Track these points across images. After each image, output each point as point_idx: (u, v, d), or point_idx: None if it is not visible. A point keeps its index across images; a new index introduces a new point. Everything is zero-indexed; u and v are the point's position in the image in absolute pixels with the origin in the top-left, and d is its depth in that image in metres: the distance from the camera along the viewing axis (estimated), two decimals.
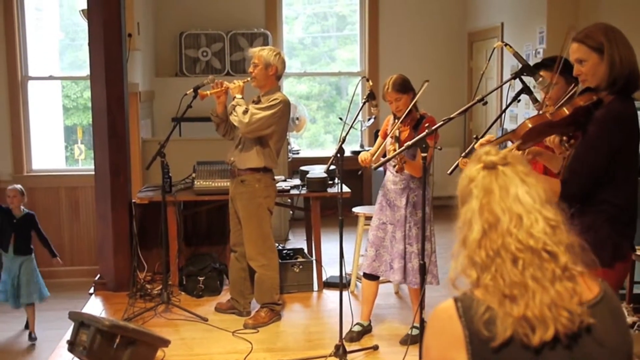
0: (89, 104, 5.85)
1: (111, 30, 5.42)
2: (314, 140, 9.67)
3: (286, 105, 4.75)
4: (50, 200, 7.47)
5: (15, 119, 7.45)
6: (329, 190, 5.55)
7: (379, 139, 4.60)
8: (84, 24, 6.26)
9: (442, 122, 3.47)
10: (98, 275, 5.70)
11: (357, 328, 4.55)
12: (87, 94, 7.61)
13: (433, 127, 3.59)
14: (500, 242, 1.47)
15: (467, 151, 3.07)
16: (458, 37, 9.08)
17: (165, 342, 4.13)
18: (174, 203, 5.45)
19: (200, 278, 5.44)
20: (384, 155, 4.27)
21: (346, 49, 9.60)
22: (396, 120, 4.35)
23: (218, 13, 8.58)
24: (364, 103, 4.40)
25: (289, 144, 7.68)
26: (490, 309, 1.43)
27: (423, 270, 3.64)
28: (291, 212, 7.52)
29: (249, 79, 4.80)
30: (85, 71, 6.66)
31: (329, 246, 5.90)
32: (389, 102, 4.34)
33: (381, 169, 4.51)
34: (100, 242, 5.74)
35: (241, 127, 4.62)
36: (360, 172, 4.36)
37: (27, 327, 5.97)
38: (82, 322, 3.84)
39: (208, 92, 4.75)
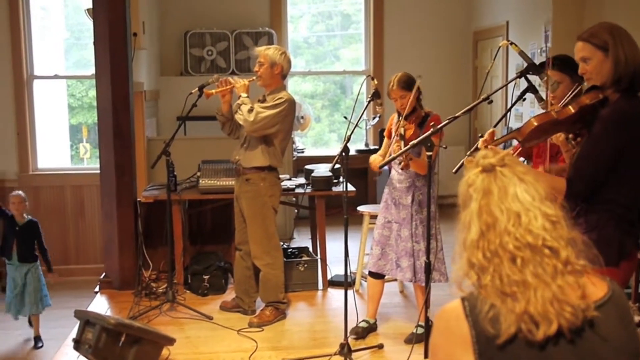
0: (94, 103, 5.86)
1: (116, 29, 5.43)
2: (319, 139, 9.67)
3: (291, 104, 4.75)
4: (56, 199, 7.49)
5: (20, 117, 7.47)
6: (334, 189, 5.54)
7: (386, 140, 4.59)
8: (89, 23, 6.28)
9: (447, 121, 3.48)
10: (103, 274, 5.72)
11: (363, 324, 4.55)
12: (93, 93, 7.63)
13: (438, 126, 3.59)
14: (497, 241, 1.47)
15: (472, 150, 3.07)
16: (463, 35, 9.07)
17: (170, 341, 4.13)
18: (179, 202, 5.46)
19: (205, 277, 5.45)
20: (389, 154, 4.26)
21: (351, 47, 9.60)
22: (400, 119, 4.35)
23: (223, 12, 8.59)
24: (369, 102, 4.40)
25: (293, 142, 7.68)
26: (494, 306, 1.44)
27: (428, 269, 3.64)
28: (296, 210, 7.52)
29: (254, 77, 4.80)
30: (91, 70, 6.68)
31: (333, 245, 5.90)
32: (394, 99, 4.34)
33: (386, 167, 4.51)
34: (105, 241, 5.75)
35: (246, 126, 4.62)
36: (375, 178, 4.35)
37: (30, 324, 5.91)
38: (87, 321, 3.85)
39: (213, 91, 4.76)
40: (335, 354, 4.13)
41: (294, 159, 7.60)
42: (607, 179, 2.69)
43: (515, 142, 2.90)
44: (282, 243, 5.27)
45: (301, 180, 5.87)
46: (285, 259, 5.17)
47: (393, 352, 4.33)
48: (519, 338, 1.42)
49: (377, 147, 8.47)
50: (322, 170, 5.77)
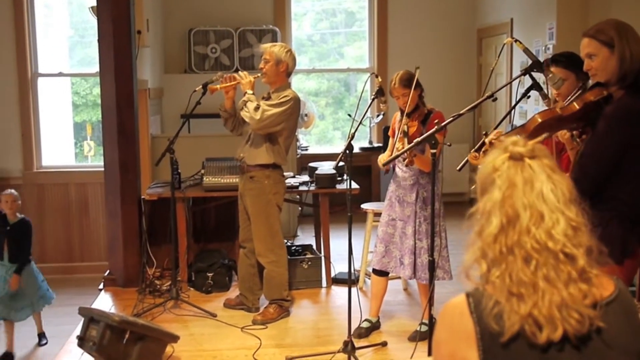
0: (99, 101, 5.87)
1: (120, 27, 5.43)
2: (323, 137, 9.67)
3: (297, 102, 4.75)
4: (60, 197, 7.50)
5: (25, 115, 7.48)
6: (338, 186, 5.54)
7: (391, 139, 4.58)
8: (93, 21, 6.28)
9: (451, 118, 3.47)
10: (107, 271, 5.72)
11: (365, 324, 4.55)
12: (97, 90, 7.63)
13: (442, 123, 3.58)
14: (516, 239, 1.44)
15: (476, 147, 3.06)
16: (467, 33, 9.05)
17: (174, 338, 4.14)
18: (183, 199, 5.46)
19: (209, 274, 5.45)
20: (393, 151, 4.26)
21: (355, 45, 9.59)
22: (404, 116, 4.35)
23: (227, 10, 8.59)
24: (373, 99, 4.39)
25: (297, 140, 7.68)
26: (499, 303, 1.42)
27: (432, 267, 3.64)
28: (300, 208, 7.52)
29: (259, 74, 4.80)
30: (95, 68, 6.68)
31: (337, 242, 5.90)
32: (396, 97, 4.34)
33: (390, 165, 4.50)
34: (109, 238, 5.76)
35: (252, 124, 4.62)
36: (385, 169, 4.33)
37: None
38: (91, 318, 3.86)
39: (218, 86, 4.75)
40: (338, 352, 4.12)
41: (298, 156, 7.60)
42: (611, 176, 2.68)
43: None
44: (285, 241, 5.27)
45: (305, 177, 5.87)
46: (289, 257, 5.17)
47: (397, 349, 4.33)
48: (522, 338, 1.40)
49: (381, 144, 8.47)
50: (326, 167, 5.77)
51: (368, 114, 7.61)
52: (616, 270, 2.44)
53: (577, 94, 2.90)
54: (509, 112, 3.57)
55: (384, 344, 4.38)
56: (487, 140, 2.98)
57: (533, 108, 7.02)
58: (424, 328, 4.26)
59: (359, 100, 4.67)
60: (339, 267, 5.69)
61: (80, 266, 7.41)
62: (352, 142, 4.06)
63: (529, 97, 3.32)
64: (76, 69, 8.47)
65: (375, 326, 4.60)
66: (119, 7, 5.41)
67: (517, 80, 3.48)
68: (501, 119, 3.52)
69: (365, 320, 4.57)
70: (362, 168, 8.30)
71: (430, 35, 8.98)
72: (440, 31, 9.01)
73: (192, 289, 5.50)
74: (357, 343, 4.23)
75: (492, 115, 8.37)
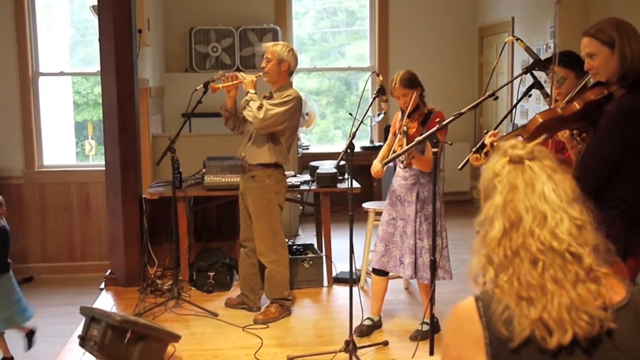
0: (100, 100, 5.86)
1: (121, 26, 5.43)
2: (324, 136, 9.67)
3: (299, 101, 4.75)
4: (61, 196, 7.50)
5: (26, 115, 7.48)
6: (339, 185, 5.54)
7: (390, 136, 4.58)
8: (94, 20, 6.27)
9: (452, 117, 3.47)
10: (109, 271, 5.73)
11: (367, 322, 4.55)
12: (98, 89, 7.62)
13: (444, 122, 3.58)
14: (520, 242, 1.42)
15: (477, 146, 3.06)
16: (468, 32, 9.04)
17: (175, 337, 4.14)
18: (185, 198, 5.46)
19: (210, 273, 5.45)
20: (393, 151, 4.26)
21: (356, 44, 9.58)
22: (404, 116, 4.35)
23: (228, 8, 8.58)
24: (374, 98, 4.39)
25: (298, 139, 7.67)
26: (508, 307, 1.40)
27: (433, 266, 3.63)
28: (301, 207, 7.51)
29: (261, 74, 4.79)
30: (96, 67, 6.68)
31: (338, 242, 5.90)
32: (397, 97, 4.33)
33: (391, 164, 4.50)
34: (110, 238, 5.76)
35: (255, 123, 4.61)
36: (375, 184, 4.33)
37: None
38: (93, 317, 3.86)
39: (220, 85, 4.75)
40: (340, 351, 4.12)
41: (299, 155, 7.60)
42: (612, 175, 2.68)
43: (520, 139, 2.89)
44: (287, 240, 5.27)
45: (306, 177, 5.87)
46: (290, 256, 5.17)
47: (398, 349, 4.33)
48: (532, 343, 1.38)
49: (382, 143, 8.45)
50: (327, 167, 5.77)
51: (369, 112, 7.60)
52: (620, 269, 2.44)
53: (577, 93, 2.90)
54: (510, 111, 3.57)
55: (386, 343, 4.38)
56: (487, 142, 2.98)
57: (534, 107, 7.02)
58: (426, 327, 4.26)
59: (360, 99, 4.68)
60: (340, 266, 5.69)
61: (82, 265, 7.41)
62: (353, 141, 4.06)
63: (530, 95, 3.32)
64: (77, 68, 8.47)
65: (376, 325, 4.60)
66: (120, 6, 5.41)
67: (519, 79, 3.47)
68: (502, 117, 3.51)
69: (368, 318, 4.57)
70: (363, 167, 8.24)
71: (431, 34, 8.97)
72: (441, 30, 9.00)
73: (193, 288, 5.50)
74: (359, 342, 4.23)
75: (493, 114, 8.37)
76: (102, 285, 5.64)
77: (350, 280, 4.16)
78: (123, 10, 5.42)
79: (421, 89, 4.33)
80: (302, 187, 5.58)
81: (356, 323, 4.39)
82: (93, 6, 6.22)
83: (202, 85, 4.80)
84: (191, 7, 8.56)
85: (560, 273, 1.40)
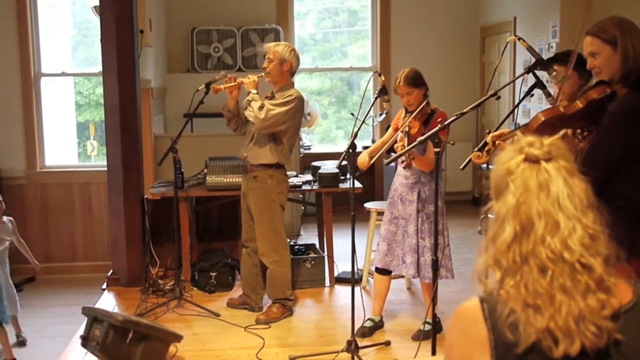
0: (101, 101, 5.87)
1: (123, 26, 5.44)
2: (326, 136, 9.67)
3: (301, 101, 4.75)
4: (63, 197, 7.50)
5: (28, 115, 7.49)
6: (341, 185, 5.54)
7: (390, 131, 4.58)
8: (96, 21, 6.28)
9: (454, 117, 3.46)
10: (111, 271, 5.73)
11: (368, 323, 4.54)
12: (100, 90, 7.63)
13: (446, 122, 3.58)
14: (530, 248, 1.38)
15: (479, 146, 3.06)
16: (470, 31, 9.04)
17: (177, 338, 4.14)
18: (186, 199, 5.46)
19: (212, 273, 5.45)
20: (394, 151, 4.25)
21: (358, 44, 9.58)
22: (407, 115, 4.34)
23: (229, 9, 8.59)
24: (376, 98, 4.39)
25: (300, 139, 7.67)
26: (514, 311, 1.38)
27: (435, 266, 3.63)
28: (303, 207, 7.51)
29: (263, 74, 4.79)
30: (98, 67, 6.68)
31: (340, 242, 5.89)
32: (400, 95, 4.32)
33: (392, 163, 4.50)
34: (112, 238, 5.76)
35: (257, 123, 4.61)
36: (357, 174, 4.28)
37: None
38: (95, 317, 3.86)
39: (222, 86, 4.75)
40: (342, 351, 4.12)
41: (301, 155, 7.60)
42: (617, 174, 2.68)
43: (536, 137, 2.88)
44: (289, 240, 5.27)
45: (308, 177, 5.87)
46: (292, 256, 5.17)
47: (400, 349, 4.32)
48: (538, 349, 1.36)
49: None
50: (329, 167, 5.77)
51: (371, 112, 7.61)
52: (626, 270, 2.43)
53: (580, 92, 2.90)
54: (512, 111, 3.56)
55: (388, 343, 4.37)
56: (489, 140, 2.97)
57: (536, 106, 7.01)
58: (428, 327, 4.25)
59: (362, 99, 4.67)
60: (342, 266, 5.69)
61: (84, 266, 7.42)
62: (355, 141, 4.06)
63: (532, 95, 3.32)
64: (79, 69, 8.47)
65: (378, 325, 4.60)
66: (122, 7, 5.41)
67: (521, 78, 3.47)
68: (504, 117, 3.51)
69: (369, 319, 4.56)
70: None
71: (433, 34, 8.97)
72: (443, 29, 9.00)
73: (195, 288, 5.50)
74: (361, 342, 4.22)
75: (495, 114, 8.36)
76: (104, 286, 5.64)
77: (352, 280, 4.16)
78: (125, 10, 5.42)
79: (425, 89, 4.32)
80: (304, 187, 5.58)
81: (358, 323, 4.38)
82: (95, 7, 6.22)
83: (203, 86, 4.80)
84: (193, 7, 8.57)
85: (569, 282, 1.37)
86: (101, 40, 5.54)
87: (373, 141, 8.90)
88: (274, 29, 8.35)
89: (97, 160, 8.05)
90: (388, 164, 4.08)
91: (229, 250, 5.83)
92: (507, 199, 1.43)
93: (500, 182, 1.47)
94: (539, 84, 3.19)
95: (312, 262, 5.53)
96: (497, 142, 2.96)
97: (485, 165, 3.25)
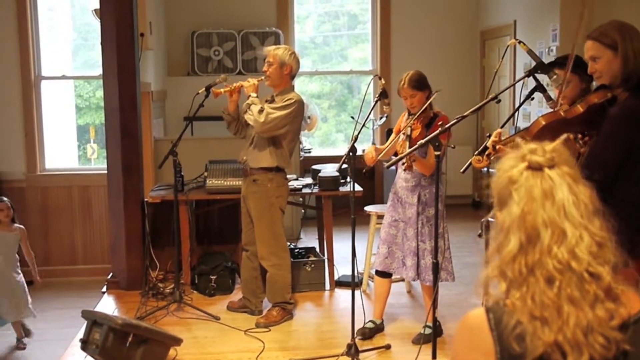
0: (102, 104, 5.87)
1: (124, 29, 5.44)
2: (326, 139, 9.67)
3: (301, 104, 4.74)
4: (63, 200, 7.50)
5: (28, 118, 7.49)
6: (341, 189, 5.54)
7: (393, 135, 4.58)
8: (96, 24, 6.28)
9: (455, 121, 3.47)
10: (110, 274, 5.72)
11: (369, 325, 4.54)
12: (100, 93, 7.63)
13: (446, 126, 3.57)
14: (537, 259, 1.35)
15: (479, 150, 3.06)
16: (470, 35, 9.04)
17: (177, 341, 4.13)
18: (186, 202, 5.46)
19: (212, 277, 5.44)
20: (395, 154, 4.25)
21: (358, 47, 9.58)
22: (410, 117, 4.34)
23: (230, 12, 8.59)
24: (376, 101, 4.39)
25: (300, 142, 7.67)
26: (521, 323, 1.35)
27: (436, 269, 3.63)
28: (303, 211, 7.51)
29: (263, 77, 4.79)
30: (98, 71, 6.68)
31: (340, 245, 5.88)
32: (404, 98, 4.32)
33: (393, 167, 4.49)
34: (112, 241, 5.76)
35: (256, 126, 4.61)
36: (364, 171, 4.27)
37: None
38: (94, 321, 3.85)
39: (222, 90, 4.75)
40: (342, 355, 4.12)
41: (301, 159, 7.60)
42: (617, 178, 2.68)
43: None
44: (289, 243, 5.27)
45: (308, 180, 5.86)
46: (292, 260, 5.16)
47: (400, 352, 4.31)
48: None
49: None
50: (329, 170, 5.76)
51: (371, 116, 7.59)
52: (630, 273, 2.43)
53: (580, 96, 2.90)
54: (513, 114, 3.57)
55: (388, 346, 4.36)
56: (489, 144, 2.97)
57: (537, 110, 7.01)
58: (428, 331, 4.25)
59: (362, 102, 4.67)
60: (342, 269, 5.68)
61: (83, 269, 7.41)
62: (356, 144, 4.06)
63: (532, 98, 3.32)
64: (79, 72, 8.48)
65: (379, 328, 4.59)
66: (122, 10, 5.41)
67: (521, 82, 3.47)
68: (505, 120, 3.51)
69: (370, 321, 4.56)
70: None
71: (433, 37, 8.97)
72: (443, 33, 9.00)
73: (195, 291, 5.49)
74: (361, 346, 4.22)
75: (495, 117, 8.36)
76: (104, 289, 5.64)
77: (352, 283, 4.15)
78: (125, 13, 5.43)
79: (429, 92, 4.31)
80: (304, 191, 5.58)
81: (358, 326, 4.38)
82: (95, 10, 6.23)
83: (204, 89, 4.80)
84: (193, 10, 8.57)
85: (577, 293, 1.33)
86: (101, 43, 5.54)
87: (373, 144, 8.89)
88: (274, 32, 8.36)
89: (97, 163, 8.05)
90: (389, 167, 4.08)
91: (229, 254, 5.82)
92: (511, 209, 1.40)
93: (503, 191, 1.44)
94: (539, 87, 3.19)
95: (312, 266, 5.53)
96: (497, 147, 2.96)
97: (485, 169, 3.25)
